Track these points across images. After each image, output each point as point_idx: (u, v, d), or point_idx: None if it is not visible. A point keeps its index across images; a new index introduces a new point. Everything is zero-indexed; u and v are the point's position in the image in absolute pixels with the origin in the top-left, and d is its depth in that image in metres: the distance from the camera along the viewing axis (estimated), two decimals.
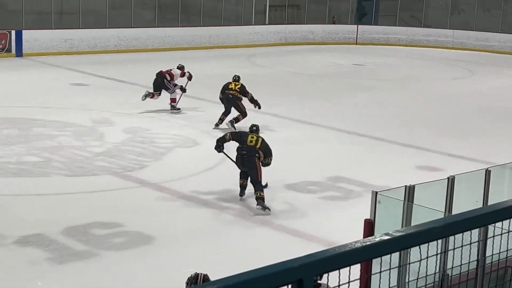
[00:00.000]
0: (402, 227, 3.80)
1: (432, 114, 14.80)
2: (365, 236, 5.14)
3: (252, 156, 8.45)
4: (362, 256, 1.56)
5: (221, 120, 12.20)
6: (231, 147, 8.82)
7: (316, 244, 7.36)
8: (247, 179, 8.56)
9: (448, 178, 6.08)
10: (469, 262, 2.21)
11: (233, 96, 12.06)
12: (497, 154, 11.12)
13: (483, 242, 4.22)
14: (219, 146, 8.53)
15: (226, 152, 8.67)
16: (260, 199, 8.36)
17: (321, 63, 21.67)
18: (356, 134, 12.41)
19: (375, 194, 5.38)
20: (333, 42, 26.30)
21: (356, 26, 26.94)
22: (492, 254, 3.12)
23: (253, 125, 8.87)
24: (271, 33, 25.37)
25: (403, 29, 27.04)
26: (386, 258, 1.63)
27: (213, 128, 12.15)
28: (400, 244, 1.62)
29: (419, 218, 5.04)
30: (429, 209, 5.35)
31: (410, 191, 5.47)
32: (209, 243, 7.36)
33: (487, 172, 6.72)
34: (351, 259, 1.53)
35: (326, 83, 18.29)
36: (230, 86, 12.16)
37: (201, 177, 9.56)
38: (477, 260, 3.81)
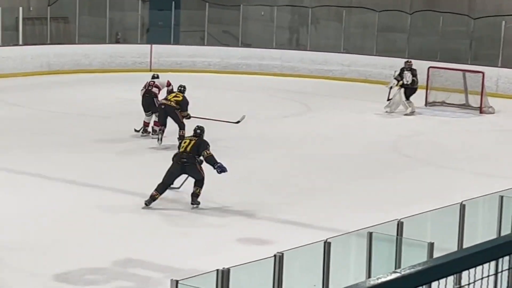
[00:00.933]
0: None
1: (257, 167, 15.26)
2: None
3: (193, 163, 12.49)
4: None
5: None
6: None
7: None
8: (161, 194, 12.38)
9: (275, 255, 6.54)
10: None
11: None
12: (331, 218, 11.87)
13: None
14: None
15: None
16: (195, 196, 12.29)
17: (101, 98, 21.78)
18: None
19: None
20: (117, 69, 26.53)
21: (149, 46, 27.32)
22: None
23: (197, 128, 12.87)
24: (27, 58, 25.05)
25: (214, 49, 27.89)
26: None
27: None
28: None
29: None
30: None
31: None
32: None
33: (326, 244, 7.39)
34: None
35: (106, 125, 18.32)
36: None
37: None
38: None
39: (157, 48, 27.30)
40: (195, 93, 22.08)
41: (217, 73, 26.69)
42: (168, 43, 27.90)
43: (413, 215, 8.88)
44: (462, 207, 9.30)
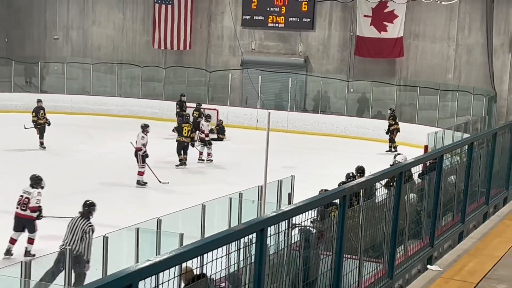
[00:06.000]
0: None
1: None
2: None
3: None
4: None
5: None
6: None
7: None
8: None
9: None
10: None
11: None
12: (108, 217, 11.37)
13: None
14: None
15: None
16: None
17: None
18: None
19: None
20: None
21: None
22: None
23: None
24: None
25: (19, 95, 26.69)
26: None
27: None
28: None
29: None
30: None
31: None
32: None
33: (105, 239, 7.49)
34: None
35: None
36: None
37: None
38: None
39: None
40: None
41: (21, 113, 25.14)
42: None
43: (168, 214, 8.86)
44: (203, 206, 9.55)
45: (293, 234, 4.57)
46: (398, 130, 21.48)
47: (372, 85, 24.87)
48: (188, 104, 23.23)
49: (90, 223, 9.22)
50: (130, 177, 15.75)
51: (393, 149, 20.99)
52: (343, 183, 9.62)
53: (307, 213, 4.04)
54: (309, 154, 20.66)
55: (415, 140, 21.58)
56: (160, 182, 15.32)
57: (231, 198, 10.04)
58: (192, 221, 9.41)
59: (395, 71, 24.91)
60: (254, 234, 3.47)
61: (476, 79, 23.67)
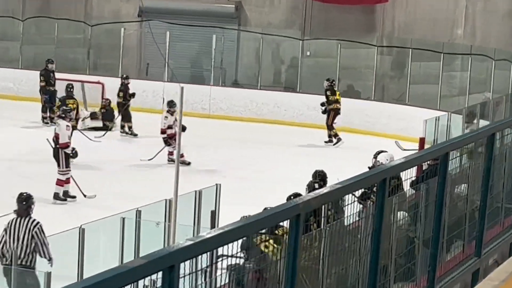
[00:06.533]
0: None
1: None
2: None
3: None
4: None
5: None
6: None
7: None
8: None
9: None
10: None
11: None
12: None
13: None
14: None
15: None
16: None
17: None
18: None
19: None
20: None
21: None
22: None
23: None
24: None
25: None
26: None
27: None
28: None
29: None
30: None
31: None
32: None
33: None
34: None
35: None
36: None
37: None
38: None
39: None
40: None
41: None
42: None
43: None
44: (82, 231, 10.15)
45: (218, 274, 4.93)
46: (337, 111, 22.16)
47: (339, 45, 24.85)
48: (59, 76, 23.39)
49: (34, 220, 10.57)
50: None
51: (334, 139, 21.94)
52: (295, 196, 9.92)
53: (239, 241, 4.43)
54: (242, 150, 20.77)
55: (405, 130, 21.92)
56: (85, 196, 16.26)
57: (123, 219, 10.67)
58: (68, 251, 10.27)
59: (375, 24, 25.18)
60: (160, 273, 3.69)
61: (497, 37, 23.94)
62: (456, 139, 8.22)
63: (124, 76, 22.62)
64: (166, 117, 18.50)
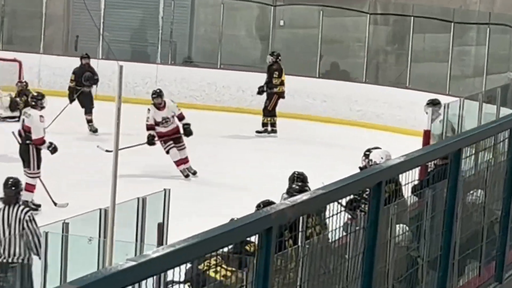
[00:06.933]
0: None
1: None
2: None
3: None
4: None
5: None
6: None
7: None
8: None
9: None
10: None
11: None
12: None
13: None
14: None
15: None
16: None
17: None
18: None
19: None
20: None
21: None
22: None
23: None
24: None
25: None
26: None
27: None
28: None
29: None
30: None
31: None
32: None
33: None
34: None
35: None
36: None
37: None
38: None
39: None
40: None
41: None
42: None
43: None
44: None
45: None
46: (282, 94, 22.54)
47: (321, 13, 25.10)
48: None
49: (24, 208, 11.52)
50: None
51: (269, 129, 22.43)
52: (266, 204, 9.95)
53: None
54: (198, 146, 20.42)
55: (406, 120, 22.31)
56: (55, 204, 16.46)
57: (46, 233, 10.77)
58: None
59: None
60: None
61: None
62: (471, 132, 8.31)
63: (83, 54, 22.44)
64: (148, 109, 18.42)
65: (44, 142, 16.47)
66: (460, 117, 17.77)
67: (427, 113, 16.44)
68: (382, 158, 12.10)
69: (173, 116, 19.04)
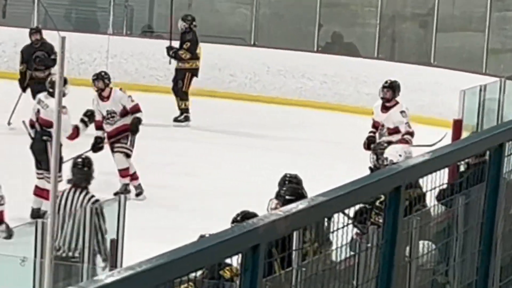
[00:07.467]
0: None
1: None
2: None
3: None
4: None
5: None
6: None
7: None
8: None
9: None
10: None
11: None
12: None
13: None
14: None
15: None
16: None
17: None
18: None
19: None
20: None
21: None
22: None
23: None
24: None
25: None
26: None
27: None
28: None
29: None
30: None
31: None
32: None
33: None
34: None
35: None
36: None
37: None
38: None
39: None
40: None
41: None
42: None
43: None
44: None
45: None
46: (196, 72, 23.47)
47: None
48: None
49: (92, 196, 12.78)
50: None
51: (182, 118, 23.37)
52: (245, 217, 10.60)
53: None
54: (162, 142, 21.52)
55: (429, 107, 23.32)
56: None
57: None
58: None
59: None
60: None
61: None
62: None
63: (33, 28, 22.84)
64: (93, 99, 18.24)
65: (79, 134, 17.03)
66: (500, 102, 18.07)
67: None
68: (400, 155, 12.39)
69: (124, 110, 18.63)
